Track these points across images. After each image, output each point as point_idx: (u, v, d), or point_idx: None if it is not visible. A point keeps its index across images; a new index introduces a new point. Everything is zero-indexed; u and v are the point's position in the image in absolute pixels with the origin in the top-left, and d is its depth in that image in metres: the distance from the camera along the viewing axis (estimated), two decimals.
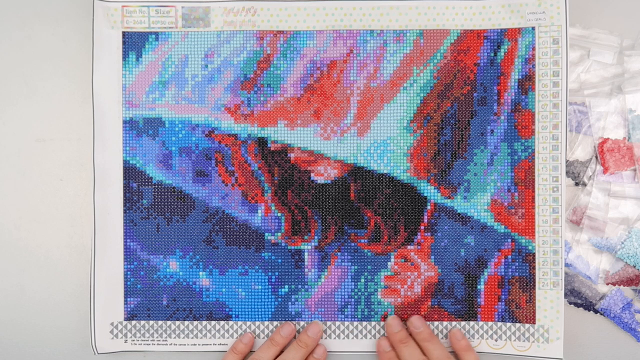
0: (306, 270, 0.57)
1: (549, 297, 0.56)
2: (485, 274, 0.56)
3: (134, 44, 0.56)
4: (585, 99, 0.56)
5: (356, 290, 0.57)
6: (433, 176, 0.56)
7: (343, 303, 0.57)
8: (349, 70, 0.56)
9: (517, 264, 0.56)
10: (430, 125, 0.56)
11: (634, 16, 0.57)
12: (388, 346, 0.56)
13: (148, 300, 0.57)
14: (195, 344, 0.57)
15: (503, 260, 0.56)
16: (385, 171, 0.57)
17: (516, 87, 0.56)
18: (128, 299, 0.57)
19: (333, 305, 0.57)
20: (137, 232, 0.57)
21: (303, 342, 0.56)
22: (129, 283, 0.57)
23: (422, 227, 0.57)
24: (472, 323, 0.57)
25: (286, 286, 0.57)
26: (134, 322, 0.57)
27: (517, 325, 0.56)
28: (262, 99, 0.57)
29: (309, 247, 0.57)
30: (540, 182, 0.56)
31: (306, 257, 0.57)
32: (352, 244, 0.57)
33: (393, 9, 0.56)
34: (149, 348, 0.57)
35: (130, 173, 0.57)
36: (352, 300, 0.57)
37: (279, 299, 0.57)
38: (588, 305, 0.57)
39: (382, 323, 0.57)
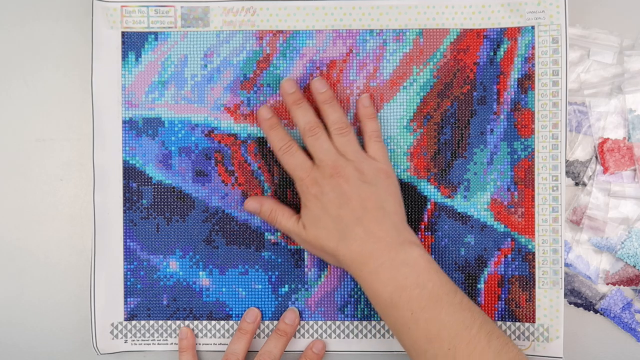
0: (306, 269, 0.57)
1: (548, 296, 0.55)
2: (485, 273, 0.56)
3: (133, 43, 0.56)
4: (585, 99, 0.56)
5: (356, 289, 0.57)
6: (433, 175, 0.56)
7: (343, 302, 0.57)
8: (349, 70, 0.56)
9: (516, 263, 0.56)
10: (430, 124, 0.56)
11: (634, 16, 0.57)
12: (269, 113, 0.53)
13: (148, 300, 0.57)
14: (195, 344, 0.57)
15: (503, 259, 0.56)
16: None
17: (516, 86, 0.56)
18: (128, 299, 0.57)
19: (333, 305, 0.57)
20: (137, 232, 0.57)
21: (282, 330, 0.55)
22: (129, 283, 0.57)
23: (422, 227, 0.57)
24: None
25: (286, 286, 0.57)
26: (134, 322, 0.57)
27: (517, 324, 0.56)
28: (261, 98, 0.57)
29: None
30: (540, 181, 0.56)
31: (306, 256, 0.57)
32: None
33: (392, 8, 0.56)
34: (149, 348, 0.57)
35: (130, 173, 0.57)
36: (352, 299, 0.57)
37: (279, 299, 0.57)
38: (588, 305, 0.57)
39: (382, 322, 0.57)
